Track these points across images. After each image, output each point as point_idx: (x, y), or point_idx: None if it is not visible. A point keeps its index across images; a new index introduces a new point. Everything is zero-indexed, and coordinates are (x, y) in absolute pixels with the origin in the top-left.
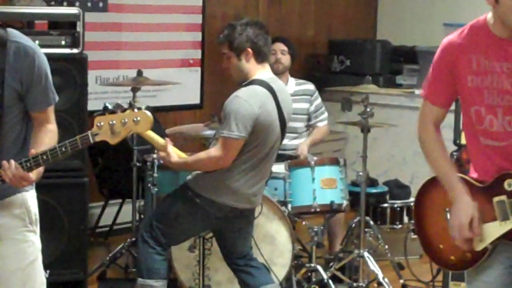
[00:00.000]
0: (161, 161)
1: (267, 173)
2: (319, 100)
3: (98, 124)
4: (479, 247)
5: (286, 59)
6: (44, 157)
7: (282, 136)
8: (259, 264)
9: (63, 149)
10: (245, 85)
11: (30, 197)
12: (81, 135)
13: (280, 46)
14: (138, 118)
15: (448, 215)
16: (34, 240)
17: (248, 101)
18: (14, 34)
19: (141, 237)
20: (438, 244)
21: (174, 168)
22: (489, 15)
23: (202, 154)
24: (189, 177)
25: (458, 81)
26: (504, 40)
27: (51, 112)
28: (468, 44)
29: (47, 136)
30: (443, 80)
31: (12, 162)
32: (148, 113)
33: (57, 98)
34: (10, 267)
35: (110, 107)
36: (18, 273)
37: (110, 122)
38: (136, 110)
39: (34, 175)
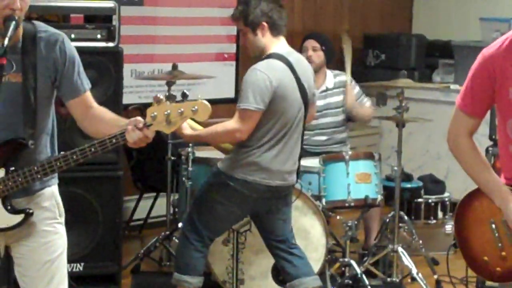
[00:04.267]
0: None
1: (296, 148)
2: (356, 89)
3: (152, 115)
4: None
5: (317, 56)
6: (101, 145)
7: (306, 109)
8: (302, 254)
9: (114, 140)
10: (263, 59)
11: (56, 190)
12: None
13: (311, 43)
14: (196, 108)
15: (494, 226)
16: (62, 232)
17: (266, 74)
18: (41, 25)
19: (182, 231)
20: (483, 257)
21: (188, 141)
22: None
23: (218, 126)
24: (219, 163)
25: (498, 93)
26: None
27: (90, 96)
28: (508, 57)
29: (110, 112)
30: (482, 91)
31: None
32: (206, 102)
33: (90, 84)
34: (41, 259)
35: (162, 97)
36: (48, 265)
37: (165, 112)
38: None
39: (150, 133)
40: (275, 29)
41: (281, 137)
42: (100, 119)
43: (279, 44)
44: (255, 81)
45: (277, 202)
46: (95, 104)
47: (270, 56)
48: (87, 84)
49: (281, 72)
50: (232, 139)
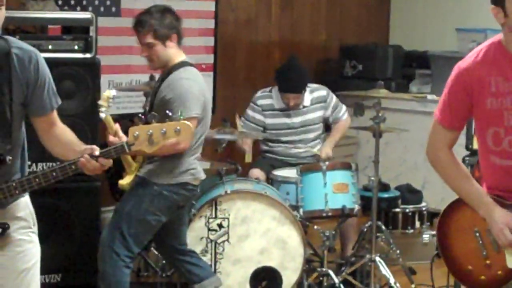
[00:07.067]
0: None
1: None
2: (334, 100)
3: (135, 135)
4: None
5: (299, 99)
6: (73, 166)
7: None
8: (200, 256)
9: (73, 166)
10: (176, 68)
11: (29, 200)
12: (115, 145)
13: (291, 96)
14: (179, 128)
15: (478, 235)
16: (36, 241)
17: (194, 81)
18: (14, 41)
19: (110, 248)
20: (467, 266)
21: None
22: (503, 35)
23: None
24: (142, 172)
25: (476, 104)
26: None
27: (56, 114)
28: (485, 67)
29: (70, 133)
30: (459, 104)
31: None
32: (188, 123)
33: (59, 101)
34: (18, 268)
35: (143, 117)
36: (25, 273)
37: (148, 132)
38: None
39: (106, 162)
40: (181, 40)
41: (202, 141)
42: (58, 140)
43: (181, 53)
44: (188, 88)
45: (184, 209)
46: (59, 123)
47: (183, 64)
48: (55, 102)
49: (200, 77)
50: (176, 151)
